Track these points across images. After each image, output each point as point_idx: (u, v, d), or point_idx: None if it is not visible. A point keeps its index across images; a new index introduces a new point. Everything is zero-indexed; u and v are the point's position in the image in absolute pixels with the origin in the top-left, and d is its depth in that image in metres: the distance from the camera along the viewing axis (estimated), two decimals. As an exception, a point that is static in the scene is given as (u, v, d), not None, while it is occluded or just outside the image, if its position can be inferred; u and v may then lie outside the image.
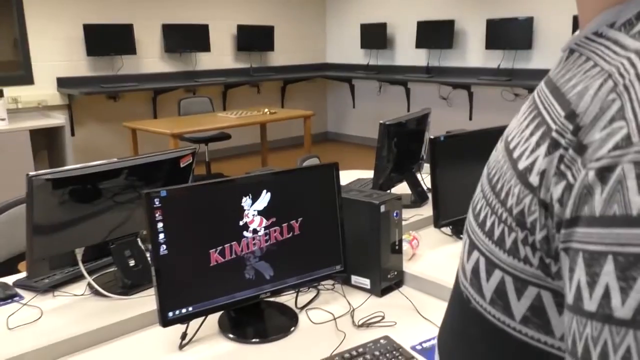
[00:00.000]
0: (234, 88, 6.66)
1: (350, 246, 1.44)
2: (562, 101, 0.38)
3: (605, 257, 0.31)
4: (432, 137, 1.75)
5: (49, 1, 5.31)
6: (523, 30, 5.47)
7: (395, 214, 1.46)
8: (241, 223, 1.25)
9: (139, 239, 1.61)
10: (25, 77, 5.28)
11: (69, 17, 5.44)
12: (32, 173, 1.33)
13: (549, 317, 0.39)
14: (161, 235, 1.16)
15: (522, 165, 0.40)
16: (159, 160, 1.58)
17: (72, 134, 5.51)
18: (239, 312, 1.33)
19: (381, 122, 2.03)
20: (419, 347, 1.21)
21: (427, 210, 2.06)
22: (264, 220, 1.28)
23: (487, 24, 5.71)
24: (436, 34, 6.18)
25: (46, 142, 5.13)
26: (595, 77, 0.37)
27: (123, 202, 1.54)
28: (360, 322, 1.30)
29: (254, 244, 1.27)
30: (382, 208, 1.41)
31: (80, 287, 1.54)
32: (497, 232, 0.42)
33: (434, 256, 1.71)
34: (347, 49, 7.44)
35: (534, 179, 0.38)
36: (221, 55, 6.60)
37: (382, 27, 6.74)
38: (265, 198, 1.28)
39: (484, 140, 1.92)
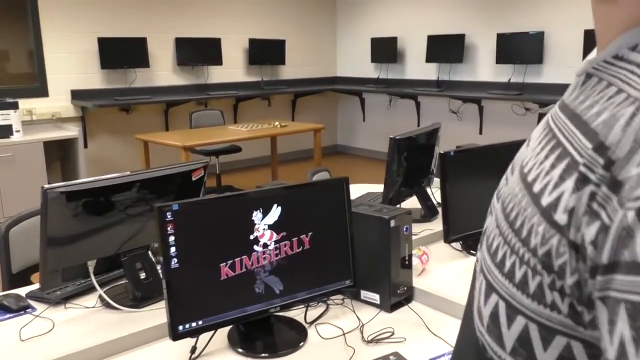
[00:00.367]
0: (245, 101, 6.72)
1: (359, 261, 1.44)
2: (586, 130, 0.36)
3: None
4: (442, 151, 1.76)
5: (65, 15, 5.41)
6: (534, 45, 5.47)
7: (405, 229, 1.46)
8: (252, 237, 1.26)
9: (150, 252, 1.63)
10: (40, 90, 5.36)
11: (84, 31, 5.53)
12: (46, 186, 1.35)
13: None
14: (172, 249, 1.17)
15: (545, 201, 0.36)
16: (171, 173, 1.60)
17: (85, 146, 5.57)
18: (249, 327, 1.33)
19: (391, 136, 2.04)
20: (428, 364, 1.20)
21: (437, 225, 2.05)
22: (275, 235, 1.29)
23: (497, 38, 5.73)
24: (446, 48, 6.20)
25: (59, 154, 5.19)
26: (623, 105, 0.34)
27: (135, 215, 1.55)
28: (369, 338, 1.30)
29: (264, 258, 1.28)
30: (392, 223, 1.42)
31: (91, 299, 1.55)
32: (518, 274, 0.38)
33: (444, 271, 1.70)
34: (357, 63, 7.48)
35: (560, 217, 0.34)
36: (233, 68, 6.66)
37: (393, 41, 6.78)
38: (275, 212, 1.29)
39: (494, 156, 1.93)
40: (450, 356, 1.22)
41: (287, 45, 7.04)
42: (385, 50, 6.87)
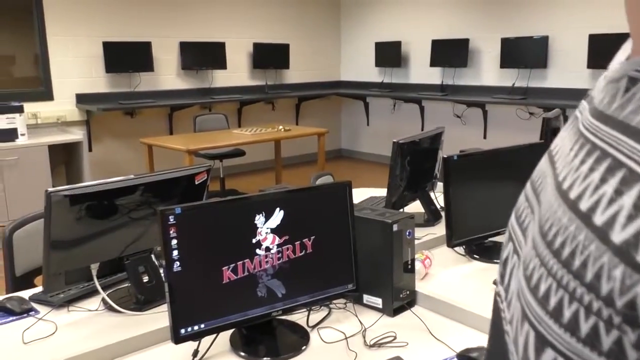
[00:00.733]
0: (249, 105, 6.73)
1: (362, 265, 1.44)
2: None
3: None
4: (445, 156, 1.76)
5: (71, 19, 5.44)
6: (538, 49, 5.47)
7: (408, 233, 1.46)
8: (254, 241, 1.26)
9: (153, 255, 1.63)
10: (45, 93, 5.39)
11: (90, 35, 5.56)
12: (50, 189, 1.35)
13: None
14: (175, 252, 1.17)
15: (618, 237, 0.29)
16: (175, 177, 1.60)
17: (90, 150, 5.60)
18: (251, 330, 1.33)
19: (394, 140, 2.04)
20: (431, 369, 1.20)
21: (440, 229, 2.05)
22: (277, 238, 1.29)
23: (501, 42, 5.72)
24: (451, 52, 6.20)
25: (64, 157, 5.22)
26: None
27: (138, 219, 1.56)
28: (372, 342, 1.30)
29: (267, 261, 1.28)
30: (395, 227, 1.42)
31: (94, 302, 1.55)
32: (584, 327, 0.31)
33: (447, 276, 1.70)
34: (361, 67, 7.49)
35: None
36: (237, 72, 6.68)
37: (397, 45, 6.78)
38: (278, 216, 1.29)
39: (497, 160, 1.93)
40: (452, 361, 1.21)
41: (291, 50, 7.05)
42: (390, 54, 6.88)
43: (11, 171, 4.44)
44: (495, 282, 1.58)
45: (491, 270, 1.73)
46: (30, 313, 1.49)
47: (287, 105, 7.25)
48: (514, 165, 1.94)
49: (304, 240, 1.33)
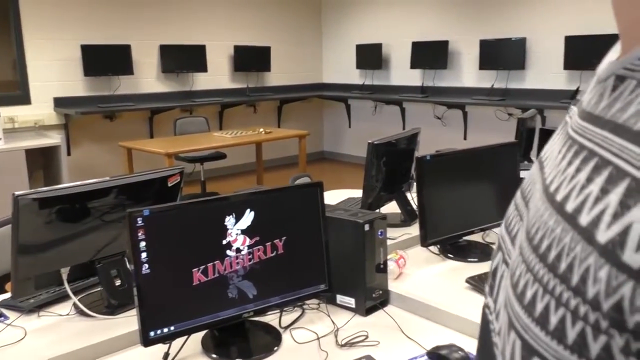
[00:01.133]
0: (230, 108, 6.71)
1: (335, 265, 1.44)
2: None
3: None
4: (418, 156, 1.77)
5: (48, 22, 5.38)
6: (516, 51, 5.54)
7: (380, 233, 1.47)
8: (224, 242, 1.26)
9: (126, 259, 1.62)
10: (22, 97, 5.32)
11: (67, 38, 5.50)
12: (17, 192, 1.34)
13: None
14: (143, 254, 1.16)
15: (603, 236, 0.28)
16: (147, 179, 1.59)
17: (69, 154, 5.53)
18: (223, 332, 1.32)
19: (369, 141, 2.05)
20: (401, 367, 1.20)
21: (416, 229, 2.06)
22: (248, 239, 1.29)
23: (480, 44, 5.78)
24: (431, 54, 6.25)
25: (42, 162, 5.15)
26: None
27: (110, 222, 1.54)
28: (343, 342, 1.30)
29: (237, 262, 1.28)
30: (367, 227, 1.42)
31: (66, 307, 1.53)
32: (571, 334, 0.29)
33: (421, 275, 1.71)
34: (343, 69, 7.51)
35: (632, 257, 0.26)
36: (218, 75, 6.66)
37: (378, 47, 6.82)
38: (248, 217, 1.29)
39: (471, 160, 1.95)
40: (422, 358, 1.22)
41: (273, 52, 7.05)
42: (370, 56, 6.91)
43: (-13, 176, 4.37)
44: (467, 281, 1.60)
45: (464, 269, 1.75)
46: (0, 319, 1.47)
47: (269, 108, 7.24)
48: (488, 165, 1.96)
49: (274, 241, 1.33)
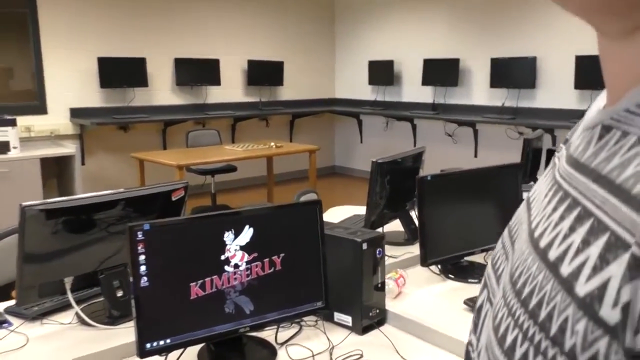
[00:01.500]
0: (243, 121, 6.78)
1: (333, 283, 1.46)
2: (626, 199, 0.28)
3: None
4: (419, 176, 1.79)
5: (66, 34, 5.50)
6: (527, 70, 5.54)
7: (378, 252, 1.48)
8: (223, 257, 1.28)
9: (128, 270, 1.64)
10: (39, 107, 5.43)
11: (85, 50, 5.62)
12: (24, 203, 1.38)
13: None
14: (143, 268, 1.19)
15: (582, 289, 0.28)
16: (151, 193, 1.63)
17: (83, 163, 5.62)
18: (219, 346, 1.34)
19: (373, 160, 2.07)
20: (393, 386, 1.21)
21: (418, 248, 2.07)
22: (246, 255, 1.31)
23: (491, 62, 5.80)
24: (442, 71, 6.28)
25: (57, 171, 5.24)
26: None
27: (114, 233, 1.58)
28: None
29: (235, 278, 1.30)
30: (365, 246, 1.44)
31: (68, 316, 1.56)
32: None
33: (420, 294, 1.72)
34: (355, 85, 7.56)
35: (609, 313, 0.26)
36: (231, 88, 6.74)
37: (389, 64, 6.86)
38: (248, 233, 1.32)
39: (472, 180, 1.96)
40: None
41: (286, 67, 7.12)
42: (382, 73, 6.96)
43: (2, 184, 4.45)
44: (466, 302, 1.60)
45: (464, 289, 1.75)
46: (4, 325, 1.50)
47: (281, 122, 7.30)
48: (490, 186, 1.97)
49: (273, 258, 1.35)
